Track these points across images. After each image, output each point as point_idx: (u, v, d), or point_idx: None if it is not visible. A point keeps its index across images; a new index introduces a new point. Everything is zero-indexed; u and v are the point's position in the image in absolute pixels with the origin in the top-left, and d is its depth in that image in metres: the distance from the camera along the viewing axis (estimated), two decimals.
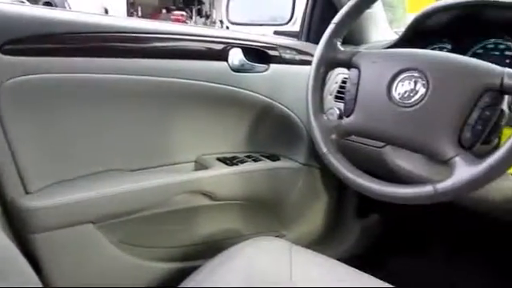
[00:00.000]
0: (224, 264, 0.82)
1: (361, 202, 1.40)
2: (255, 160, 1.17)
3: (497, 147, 0.64)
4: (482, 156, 0.64)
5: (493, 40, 0.96)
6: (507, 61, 0.91)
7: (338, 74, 1.15)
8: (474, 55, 0.97)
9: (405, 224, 1.45)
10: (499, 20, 0.91)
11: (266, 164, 1.17)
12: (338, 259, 0.86)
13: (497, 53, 0.95)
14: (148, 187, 0.96)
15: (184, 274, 0.83)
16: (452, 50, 0.99)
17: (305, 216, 1.32)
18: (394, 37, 1.13)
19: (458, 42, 0.99)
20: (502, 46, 0.95)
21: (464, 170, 0.64)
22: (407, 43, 1.04)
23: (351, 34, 1.25)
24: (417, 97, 0.71)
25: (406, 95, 0.72)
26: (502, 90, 0.64)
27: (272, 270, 0.81)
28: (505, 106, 0.71)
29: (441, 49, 1.02)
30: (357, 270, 0.83)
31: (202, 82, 1.03)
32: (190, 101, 1.06)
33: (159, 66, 0.96)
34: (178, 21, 9.00)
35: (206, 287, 0.76)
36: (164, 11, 12.14)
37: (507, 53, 0.94)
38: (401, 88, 0.73)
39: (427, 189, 0.67)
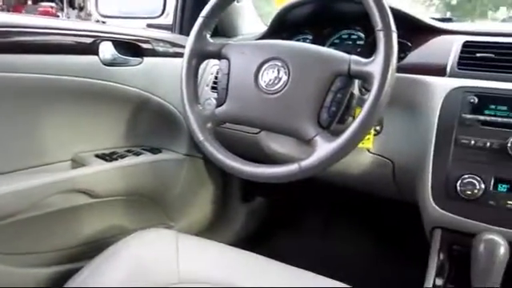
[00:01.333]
0: (108, 261, 0.81)
1: (245, 187, 1.47)
2: (136, 154, 1.16)
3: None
4: (338, 134, 0.72)
5: (347, 31, 1.08)
6: (358, 49, 1.02)
7: (213, 66, 1.19)
8: (332, 45, 1.08)
9: (287, 204, 1.55)
10: (351, 13, 1.02)
11: (147, 157, 1.17)
12: (228, 243, 0.90)
13: (350, 42, 1.07)
14: (20, 189, 0.90)
15: (68, 277, 0.80)
16: (313, 41, 1.09)
17: (191, 205, 1.35)
18: (263, 29, 1.20)
19: (318, 34, 1.09)
20: (354, 36, 1.07)
21: (323, 147, 0.72)
22: (275, 35, 1.12)
23: (223, 26, 1.30)
24: (280, 84, 0.77)
25: (270, 83, 0.78)
26: (350, 75, 0.73)
27: (158, 260, 0.81)
28: (355, 89, 0.81)
29: (304, 40, 1.11)
30: (243, 251, 0.87)
31: (72, 78, 0.99)
32: (62, 97, 1.02)
33: (25, 61, 0.90)
34: (46, 13, 8.22)
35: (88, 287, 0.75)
36: (29, 2, 11.03)
37: (358, 42, 1.06)
38: (266, 76, 0.79)
39: (293, 167, 0.73)
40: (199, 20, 0.89)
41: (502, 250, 0.66)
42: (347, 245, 1.44)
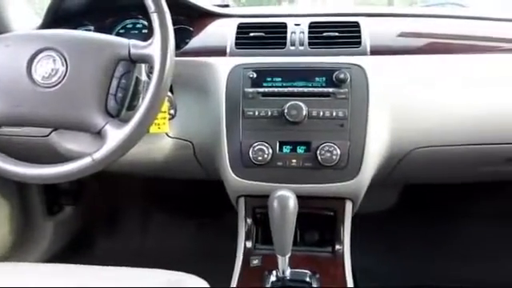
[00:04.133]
0: None
1: (49, 198, 1.34)
2: None
3: None
4: (129, 121, 0.71)
5: (130, 20, 1.06)
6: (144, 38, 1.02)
7: None
8: (118, 35, 1.05)
9: (100, 207, 1.47)
10: (133, 2, 1.01)
11: None
12: (42, 261, 0.79)
13: (136, 31, 1.06)
14: None
15: None
16: (96, 32, 1.04)
17: None
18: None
19: (100, 24, 1.05)
20: (139, 25, 1.06)
21: (114, 136, 0.69)
22: (52, 27, 1.02)
23: None
24: (58, 76, 0.72)
25: (47, 76, 0.72)
26: (131, 59, 0.72)
27: None
28: (142, 75, 0.80)
29: (86, 31, 1.05)
30: (50, 264, 0.79)
31: None
32: None
33: None
34: None
35: None
36: None
37: (144, 31, 1.05)
38: (41, 69, 0.72)
39: (86, 160, 0.70)
40: None
41: (292, 202, 0.74)
42: (168, 233, 1.44)
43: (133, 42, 0.73)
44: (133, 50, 0.71)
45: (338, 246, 0.91)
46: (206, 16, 1.03)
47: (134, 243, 1.42)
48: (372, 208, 1.39)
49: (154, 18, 0.70)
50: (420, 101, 0.90)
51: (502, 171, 1.06)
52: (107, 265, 0.77)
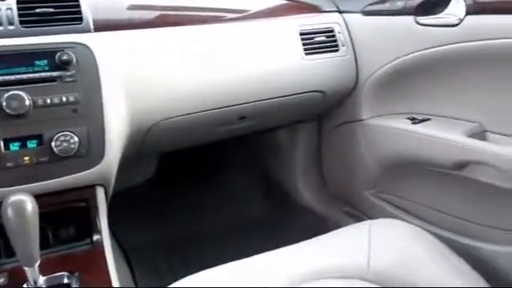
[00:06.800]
0: None
1: None
2: None
3: None
4: None
5: None
6: None
7: None
8: None
9: None
10: None
11: None
12: None
13: None
14: None
15: None
16: None
17: None
18: None
19: None
20: None
21: None
22: None
23: None
24: None
25: None
26: None
27: None
28: None
29: None
30: None
31: None
32: None
33: None
34: None
35: None
36: None
37: None
38: None
39: None
40: None
41: (29, 206, 0.65)
42: None
43: None
44: None
45: (96, 236, 0.86)
46: None
47: None
48: (135, 181, 1.39)
49: None
50: (153, 76, 0.91)
51: (237, 128, 1.20)
52: None
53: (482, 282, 0.78)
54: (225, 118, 1.10)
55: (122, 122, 0.87)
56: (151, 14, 1.00)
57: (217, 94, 1.01)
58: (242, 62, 1.03)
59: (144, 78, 0.90)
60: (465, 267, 0.81)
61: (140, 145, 1.01)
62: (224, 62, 1.01)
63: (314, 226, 1.24)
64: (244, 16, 1.10)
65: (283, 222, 1.51)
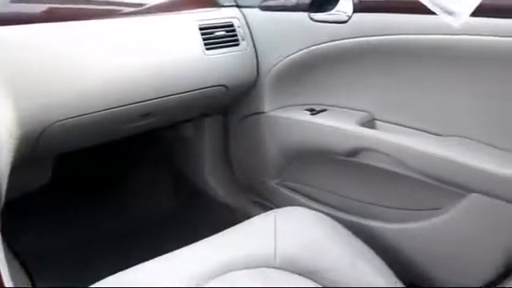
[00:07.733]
0: None
1: None
2: None
3: None
4: None
5: None
6: None
7: None
8: None
9: None
10: None
11: None
12: None
13: None
14: None
15: None
16: None
17: None
18: None
19: None
20: None
21: None
22: None
23: None
24: None
25: None
26: None
27: None
28: None
29: None
30: None
31: None
32: None
33: None
34: None
35: None
36: None
37: None
38: None
39: None
40: None
41: None
42: None
43: None
44: None
45: None
46: None
47: None
48: (30, 186, 1.29)
49: None
50: (42, 74, 0.85)
51: (142, 125, 1.17)
52: None
53: (377, 260, 0.86)
54: (127, 117, 1.06)
55: (10, 124, 0.80)
56: (39, 8, 0.93)
57: (116, 93, 0.97)
58: (140, 58, 1.00)
59: (32, 77, 0.83)
60: (363, 247, 0.88)
61: (31, 149, 0.94)
62: (121, 60, 0.97)
63: (224, 218, 1.25)
64: (141, 10, 1.06)
65: (194, 217, 1.51)
